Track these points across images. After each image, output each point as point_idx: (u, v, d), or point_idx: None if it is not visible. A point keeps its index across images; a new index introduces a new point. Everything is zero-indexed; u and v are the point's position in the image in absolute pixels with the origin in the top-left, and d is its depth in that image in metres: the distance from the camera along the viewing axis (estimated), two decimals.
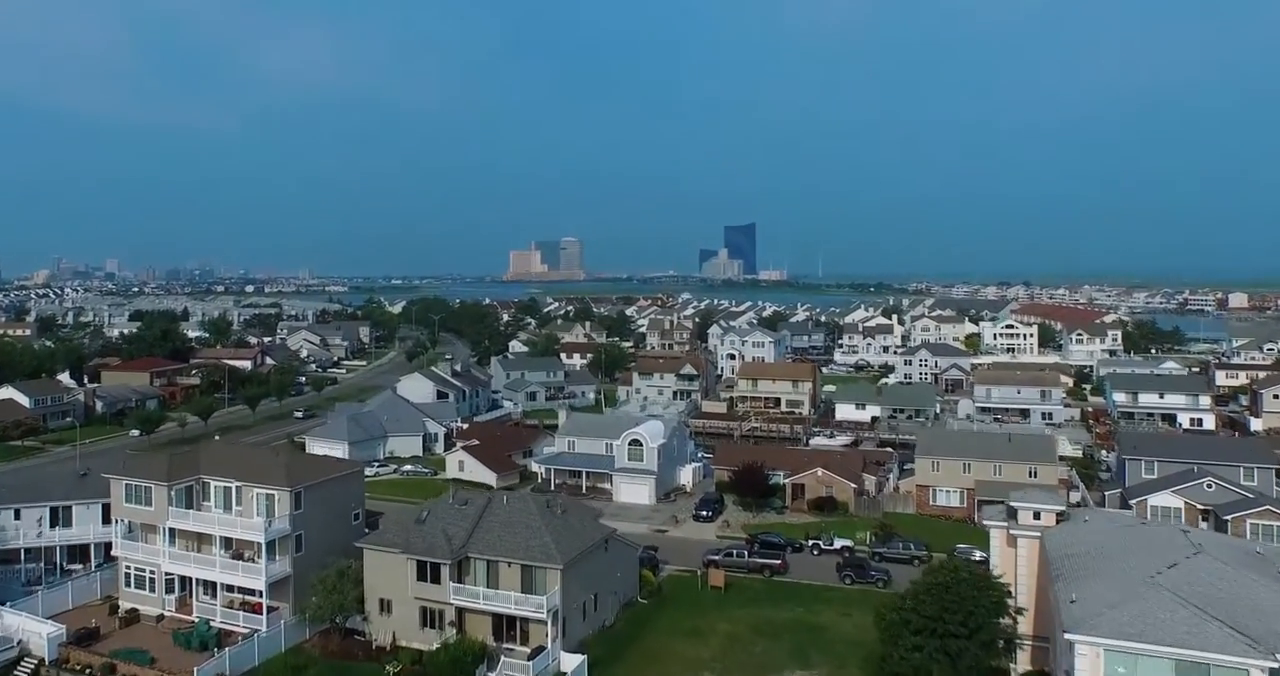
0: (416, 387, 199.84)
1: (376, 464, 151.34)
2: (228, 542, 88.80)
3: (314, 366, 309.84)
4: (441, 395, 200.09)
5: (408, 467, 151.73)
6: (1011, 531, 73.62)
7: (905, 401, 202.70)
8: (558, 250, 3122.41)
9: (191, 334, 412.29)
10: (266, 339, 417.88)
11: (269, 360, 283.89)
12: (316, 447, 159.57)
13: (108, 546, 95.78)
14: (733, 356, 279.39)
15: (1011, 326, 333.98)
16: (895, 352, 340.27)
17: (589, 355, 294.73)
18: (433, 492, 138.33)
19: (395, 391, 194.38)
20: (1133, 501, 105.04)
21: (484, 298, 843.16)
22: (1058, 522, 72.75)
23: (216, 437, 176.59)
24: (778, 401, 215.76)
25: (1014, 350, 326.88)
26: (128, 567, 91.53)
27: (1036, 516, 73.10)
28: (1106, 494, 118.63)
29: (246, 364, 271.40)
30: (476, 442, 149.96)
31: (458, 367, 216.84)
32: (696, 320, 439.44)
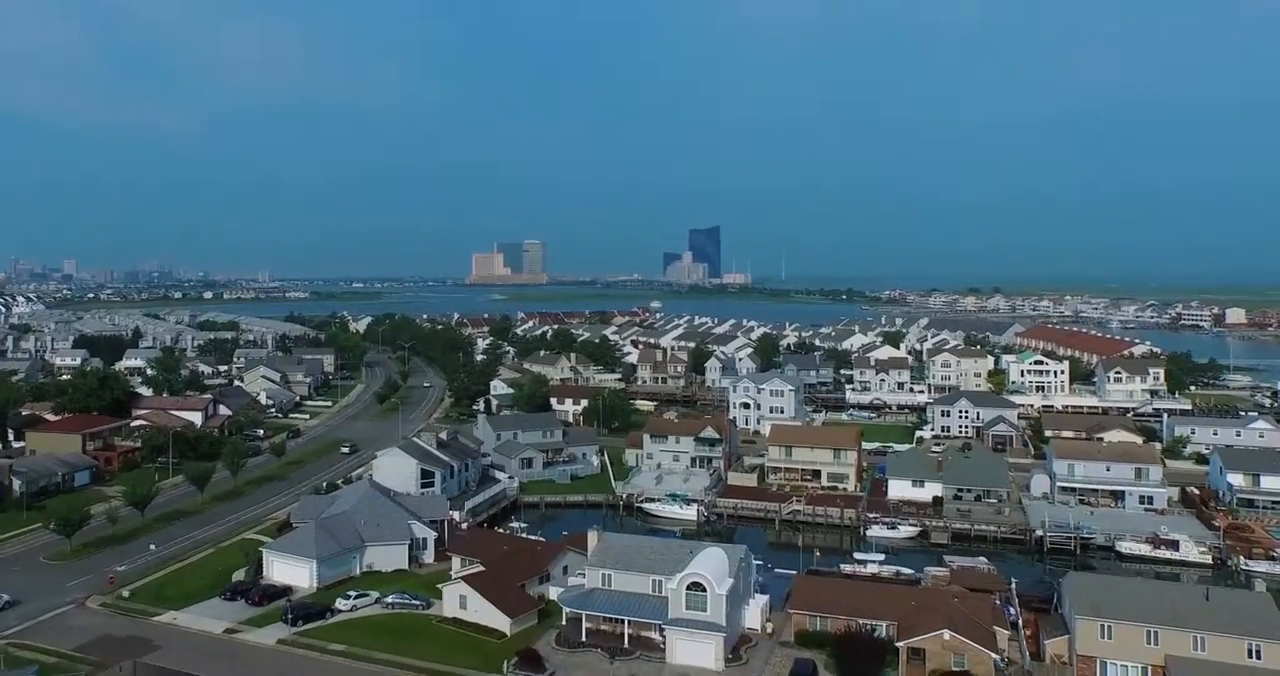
0: (397, 468, 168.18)
1: (353, 595, 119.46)
2: None
3: (273, 410, 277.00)
4: (427, 475, 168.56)
5: (392, 598, 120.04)
6: None
7: (972, 478, 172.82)
8: (520, 253, 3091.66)
9: (138, 362, 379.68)
10: (221, 369, 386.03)
11: (222, 409, 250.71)
12: (278, 565, 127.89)
13: None
14: (747, 405, 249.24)
15: (1041, 362, 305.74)
16: (911, 390, 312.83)
17: (583, 401, 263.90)
18: (432, 644, 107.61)
19: (372, 479, 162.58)
20: None
21: (451, 312, 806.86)
22: None
23: (152, 548, 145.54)
24: (816, 473, 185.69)
25: (1044, 389, 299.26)
26: None
27: None
28: None
29: (196, 417, 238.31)
30: (480, 569, 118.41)
31: (444, 436, 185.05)
32: (690, 348, 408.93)
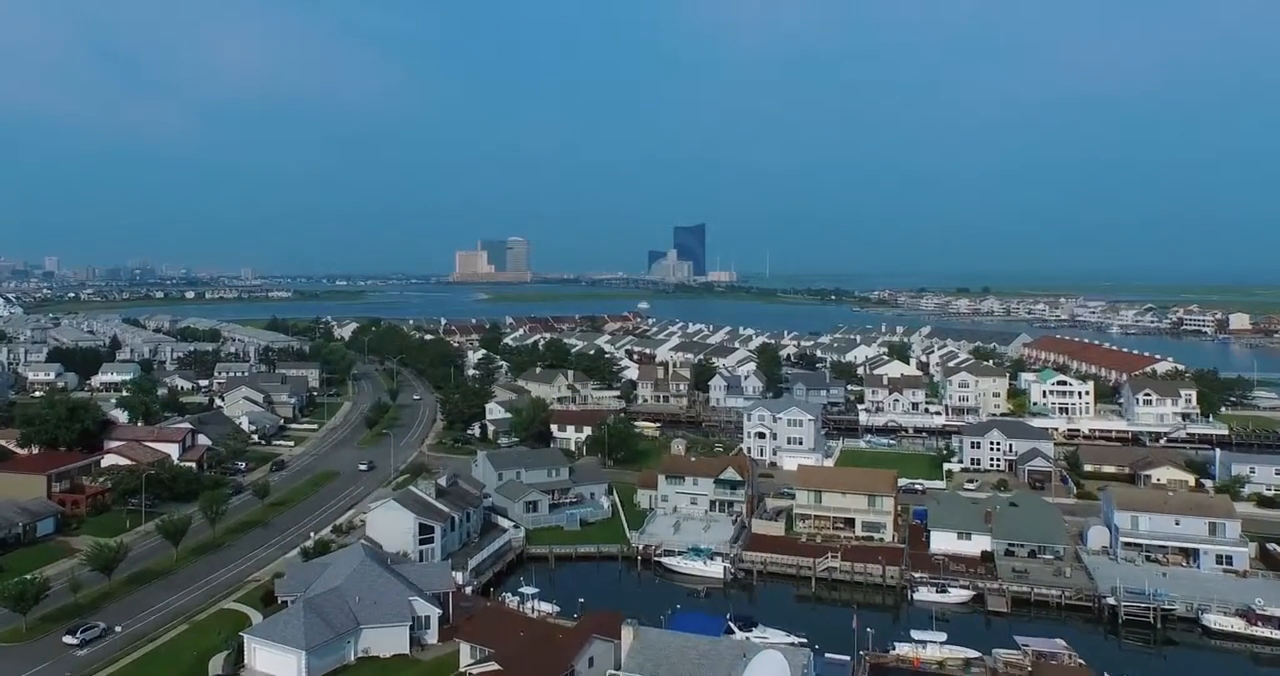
0: (393, 523, 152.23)
1: None
2: None
3: (256, 436, 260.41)
4: (426, 530, 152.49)
5: None
6: None
7: (1026, 532, 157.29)
8: (504, 250, 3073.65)
9: (114, 377, 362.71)
10: (202, 383, 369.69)
11: (201, 438, 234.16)
12: (262, 654, 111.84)
13: None
14: (762, 435, 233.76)
15: (1064, 382, 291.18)
16: (927, 410, 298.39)
17: (586, 429, 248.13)
18: None
19: (367, 542, 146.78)
20: None
21: (436, 316, 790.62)
22: None
23: (118, 630, 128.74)
24: (849, 521, 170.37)
25: (1068, 411, 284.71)
26: None
27: None
28: None
29: (173, 449, 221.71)
30: (494, 668, 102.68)
31: (442, 481, 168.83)
32: (690, 361, 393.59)
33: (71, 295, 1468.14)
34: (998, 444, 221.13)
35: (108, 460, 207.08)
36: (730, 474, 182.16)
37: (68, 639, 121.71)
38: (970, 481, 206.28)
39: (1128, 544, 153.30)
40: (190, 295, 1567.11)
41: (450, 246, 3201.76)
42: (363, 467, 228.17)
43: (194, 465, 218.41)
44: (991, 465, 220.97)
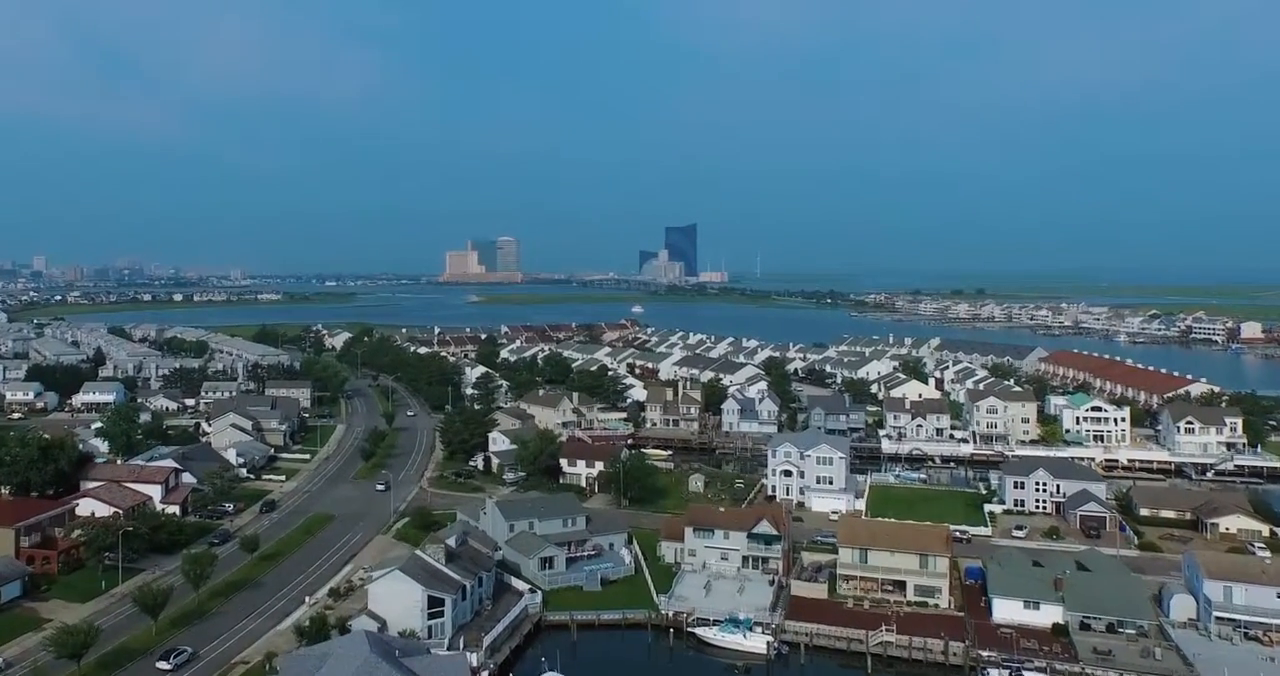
0: (399, 596, 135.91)
1: None
2: None
3: (244, 469, 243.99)
4: (435, 603, 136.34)
5: None
6: None
7: (1103, 603, 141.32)
8: (494, 250, 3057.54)
9: (95, 398, 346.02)
10: (188, 403, 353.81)
11: (186, 477, 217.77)
12: None
13: None
14: (789, 473, 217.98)
15: (1099, 408, 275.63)
16: (952, 437, 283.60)
17: (597, 464, 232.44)
18: None
19: (369, 616, 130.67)
20: None
21: (428, 322, 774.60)
22: None
23: None
24: (899, 583, 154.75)
25: (1103, 439, 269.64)
26: None
27: None
28: None
29: (155, 490, 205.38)
30: None
31: (452, 542, 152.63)
32: (695, 377, 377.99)
33: (58, 298, 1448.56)
34: (1044, 485, 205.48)
35: (84, 505, 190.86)
36: (765, 528, 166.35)
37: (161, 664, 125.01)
38: (1018, 527, 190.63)
39: (1220, 618, 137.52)
40: (178, 298, 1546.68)
41: (440, 246, 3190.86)
42: (380, 487, 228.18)
43: (178, 509, 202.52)
44: (1037, 507, 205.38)
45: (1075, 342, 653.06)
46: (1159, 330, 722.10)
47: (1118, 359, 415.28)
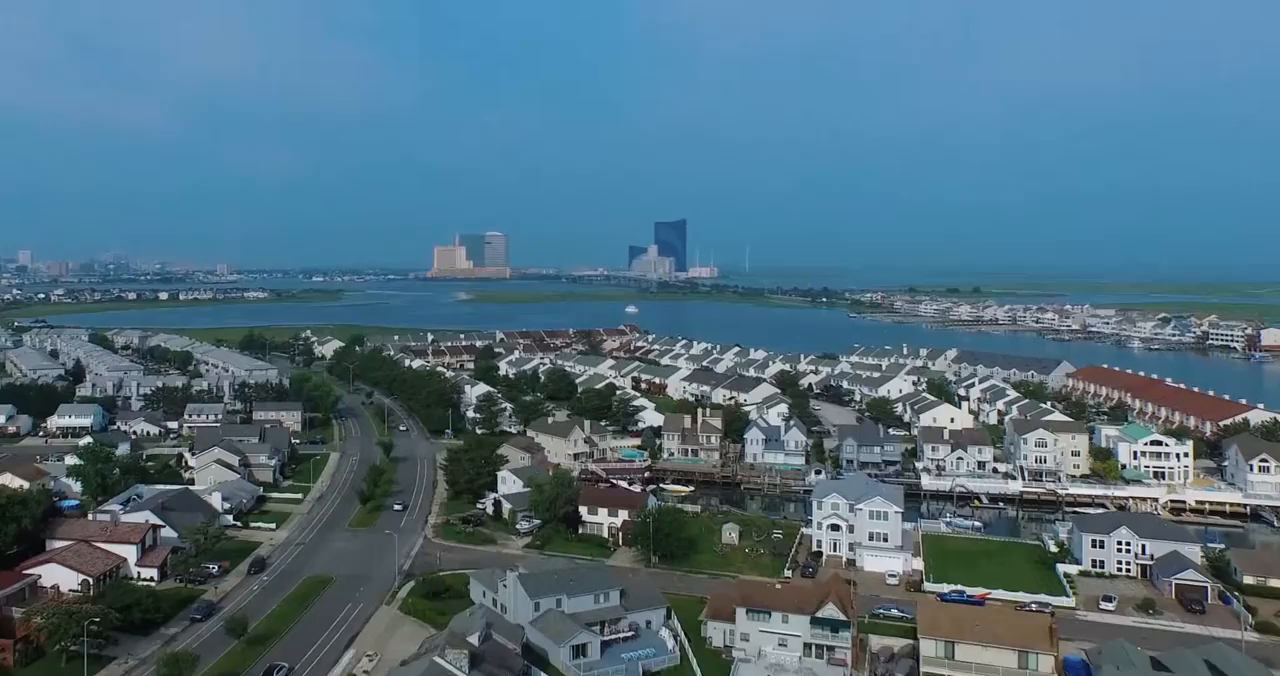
0: None
1: None
2: None
3: (231, 516, 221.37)
4: None
5: None
6: None
7: None
8: (482, 245, 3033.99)
9: (71, 421, 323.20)
10: (170, 426, 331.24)
11: (165, 532, 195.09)
12: None
13: None
14: (837, 527, 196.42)
15: (1159, 442, 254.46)
16: (996, 471, 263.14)
17: (622, 513, 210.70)
18: None
19: None
20: None
21: (419, 323, 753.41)
22: None
23: None
24: None
25: (1164, 475, 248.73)
26: None
27: None
28: None
29: (130, 551, 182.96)
30: None
31: (474, 639, 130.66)
32: (705, 394, 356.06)
33: (41, 296, 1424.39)
34: (1126, 544, 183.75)
35: (48, 573, 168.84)
36: (831, 611, 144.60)
37: None
38: (1107, 598, 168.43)
39: None
40: (164, 296, 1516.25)
41: (428, 241, 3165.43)
42: (398, 507, 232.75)
43: (156, 572, 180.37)
44: (1119, 569, 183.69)
45: (1087, 349, 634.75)
46: (1173, 335, 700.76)
47: (1152, 376, 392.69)
